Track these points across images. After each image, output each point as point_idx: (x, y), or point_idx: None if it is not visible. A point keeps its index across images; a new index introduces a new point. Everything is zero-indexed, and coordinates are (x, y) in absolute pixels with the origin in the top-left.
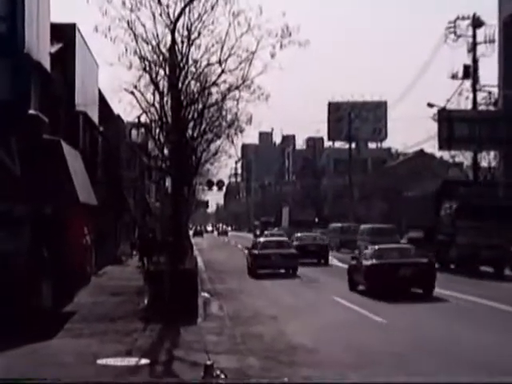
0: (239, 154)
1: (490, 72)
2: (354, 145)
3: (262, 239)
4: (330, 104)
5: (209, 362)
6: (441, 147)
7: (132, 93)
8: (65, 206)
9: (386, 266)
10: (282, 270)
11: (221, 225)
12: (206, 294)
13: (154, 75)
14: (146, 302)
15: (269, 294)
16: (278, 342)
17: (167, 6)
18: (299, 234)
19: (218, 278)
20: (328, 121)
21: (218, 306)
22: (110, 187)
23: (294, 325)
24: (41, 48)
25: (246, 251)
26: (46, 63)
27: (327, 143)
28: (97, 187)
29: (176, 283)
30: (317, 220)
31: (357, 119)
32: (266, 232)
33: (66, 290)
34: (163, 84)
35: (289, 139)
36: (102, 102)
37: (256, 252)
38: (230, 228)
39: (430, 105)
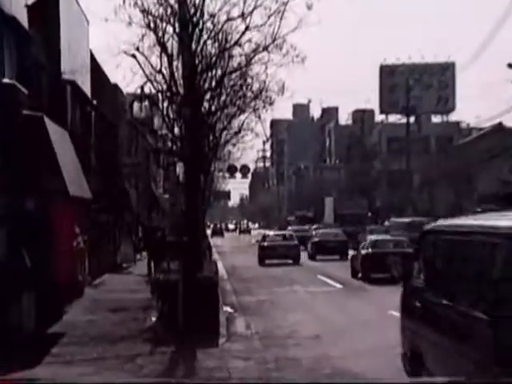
0: (268, 133)
1: None
2: (412, 119)
3: (270, 232)
4: (382, 67)
5: None
6: None
7: (133, 56)
8: (50, 200)
9: (377, 255)
10: (290, 261)
11: (245, 221)
12: (228, 309)
13: (160, 33)
14: (153, 318)
15: (307, 306)
16: (321, 368)
17: None
18: (320, 231)
19: (244, 288)
20: (380, 89)
21: (244, 322)
22: (107, 176)
23: (340, 346)
24: None
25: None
26: (23, 18)
27: (379, 117)
28: (90, 176)
29: (192, 295)
30: (369, 214)
31: (416, 86)
32: (314, 231)
33: (53, 306)
34: (172, 44)
35: (330, 113)
36: (96, 68)
37: (264, 244)
38: (256, 225)
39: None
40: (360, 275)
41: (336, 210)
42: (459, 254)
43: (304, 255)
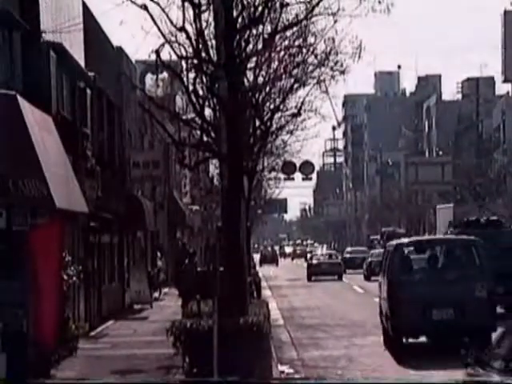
0: (340, 114)
1: None
2: None
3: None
4: (506, 13)
5: None
6: None
7: (144, 7)
8: (27, 215)
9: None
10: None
11: (309, 241)
12: (286, 369)
13: None
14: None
15: (398, 366)
16: None
17: None
18: (349, 249)
19: (308, 339)
20: (503, 46)
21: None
22: (111, 181)
23: None
24: None
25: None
26: None
27: (501, 88)
28: (86, 182)
29: (232, 349)
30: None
31: None
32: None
33: (31, 370)
34: None
35: (429, 83)
36: (91, 26)
37: (310, 262)
38: (324, 247)
39: None
40: None
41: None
42: (389, 258)
43: None
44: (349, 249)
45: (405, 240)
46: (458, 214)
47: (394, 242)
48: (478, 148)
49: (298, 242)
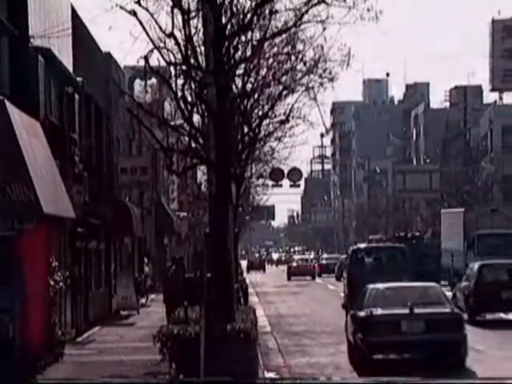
0: (328, 121)
1: None
2: None
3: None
4: (494, 23)
5: None
6: None
7: (133, 13)
8: (14, 220)
9: None
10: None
11: (297, 248)
12: (272, 375)
13: None
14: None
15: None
16: None
17: None
18: (325, 255)
19: (295, 346)
20: (491, 55)
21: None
22: (99, 186)
23: None
24: None
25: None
26: None
27: (489, 96)
28: (74, 187)
29: (218, 355)
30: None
31: None
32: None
33: (16, 377)
34: None
35: (417, 91)
36: (80, 31)
37: (290, 265)
38: (310, 254)
39: None
40: None
41: (466, 228)
42: (349, 259)
43: None
44: (325, 255)
45: (360, 246)
46: (469, 220)
47: (352, 248)
48: (466, 156)
49: (295, 249)
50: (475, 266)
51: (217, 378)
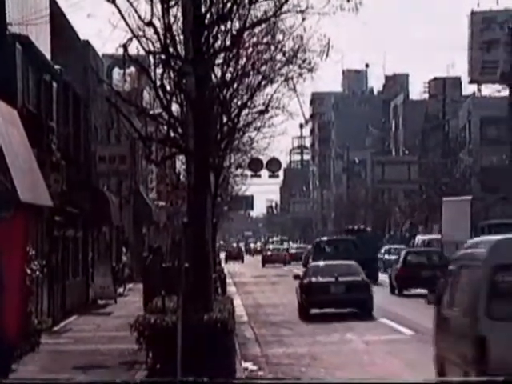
0: (307, 112)
1: None
2: None
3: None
4: (473, 16)
5: None
6: None
7: (112, 1)
8: None
9: None
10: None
11: (275, 239)
12: (250, 365)
13: None
14: (141, 379)
15: (366, 367)
16: None
17: None
18: (294, 245)
19: (273, 336)
20: (470, 47)
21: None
22: (77, 175)
23: None
24: None
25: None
26: None
27: (468, 88)
28: (51, 175)
29: (196, 345)
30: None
31: None
32: None
33: None
34: None
35: (397, 83)
36: (58, 18)
37: (264, 254)
38: (288, 244)
39: None
40: None
41: (473, 218)
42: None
43: None
44: (294, 245)
45: (323, 238)
46: (477, 208)
47: (316, 240)
48: (444, 148)
49: (273, 239)
50: (402, 252)
51: (193, 372)
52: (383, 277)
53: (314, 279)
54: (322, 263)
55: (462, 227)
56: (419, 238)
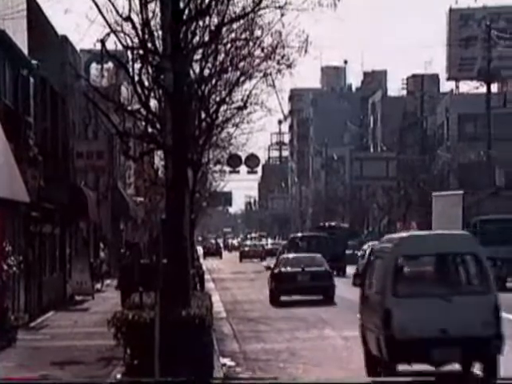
0: (286, 108)
1: None
2: (495, 87)
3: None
4: (451, 13)
5: None
6: None
7: None
8: None
9: None
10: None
11: (253, 235)
12: (227, 361)
13: None
14: (118, 376)
15: (343, 361)
16: None
17: None
18: (270, 241)
19: (250, 332)
20: (448, 44)
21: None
22: (54, 170)
23: None
24: None
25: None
26: None
27: (445, 85)
28: (28, 171)
29: (173, 341)
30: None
31: (501, 40)
32: None
33: None
34: None
35: (375, 79)
36: (35, 13)
37: (242, 249)
38: (266, 241)
39: None
40: None
41: (466, 213)
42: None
43: None
44: (270, 241)
45: (297, 234)
46: (470, 204)
47: (291, 236)
48: (422, 144)
49: (252, 235)
50: (367, 248)
51: (171, 369)
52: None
53: (283, 269)
54: (290, 255)
55: (454, 222)
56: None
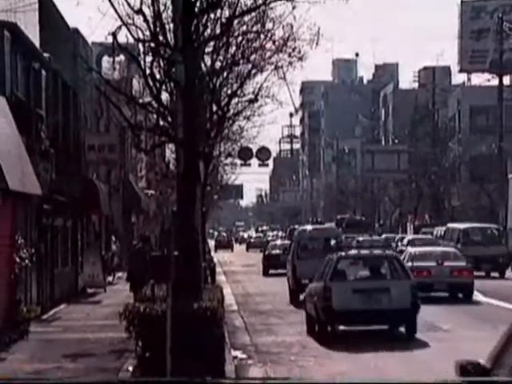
0: (297, 101)
1: None
2: (507, 80)
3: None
4: (463, 4)
5: None
6: None
7: None
8: None
9: None
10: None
11: (264, 228)
12: (239, 354)
13: None
14: (130, 368)
15: (354, 354)
16: None
17: None
18: (270, 233)
19: (262, 325)
20: (460, 36)
21: (262, 375)
22: (66, 163)
23: None
24: None
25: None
26: None
27: (457, 78)
28: (40, 164)
29: (185, 333)
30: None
31: None
32: None
33: None
34: None
35: (387, 72)
36: (47, 6)
37: (249, 241)
38: (273, 233)
39: None
40: None
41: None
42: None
43: None
44: (270, 234)
45: (295, 226)
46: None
47: (290, 227)
48: (434, 137)
49: (263, 228)
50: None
51: (183, 363)
52: None
53: (272, 252)
54: (278, 242)
55: None
56: (438, 229)
